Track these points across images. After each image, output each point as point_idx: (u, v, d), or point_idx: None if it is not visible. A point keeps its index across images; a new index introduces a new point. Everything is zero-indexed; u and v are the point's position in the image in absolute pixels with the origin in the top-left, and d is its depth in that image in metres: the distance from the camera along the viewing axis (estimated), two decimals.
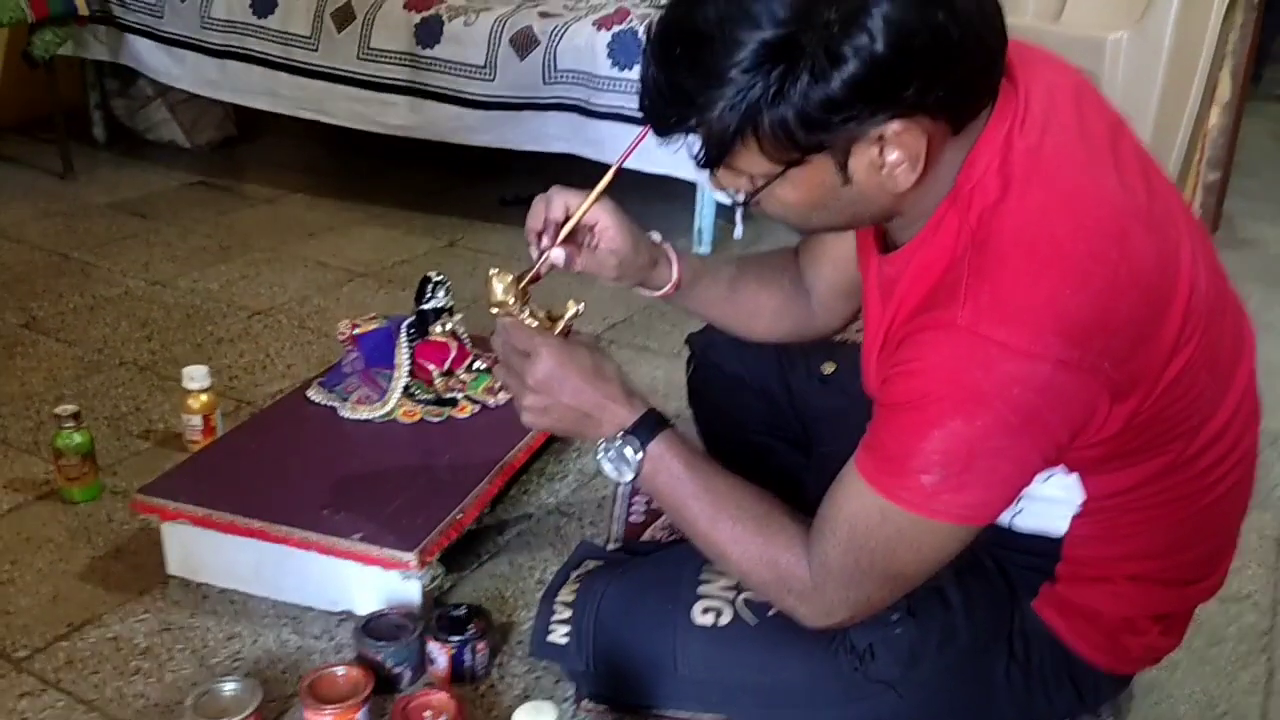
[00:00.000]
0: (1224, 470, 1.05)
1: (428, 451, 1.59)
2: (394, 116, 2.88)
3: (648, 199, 3.20)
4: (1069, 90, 0.98)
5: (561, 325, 1.13)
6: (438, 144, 2.90)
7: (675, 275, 1.26)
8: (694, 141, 0.93)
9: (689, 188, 2.66)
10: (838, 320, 1.36)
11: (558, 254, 1.14)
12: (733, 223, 2.73)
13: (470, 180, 3.27)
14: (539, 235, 1.15)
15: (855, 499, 0.97)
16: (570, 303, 1.13)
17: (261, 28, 2.99)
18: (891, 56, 0.82)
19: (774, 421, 1.59)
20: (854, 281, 1.22)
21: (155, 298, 2.45)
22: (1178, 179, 2.74)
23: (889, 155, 0.89)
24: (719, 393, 1.61)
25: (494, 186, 3.18)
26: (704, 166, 0.93)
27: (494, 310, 1.12)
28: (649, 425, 1.10)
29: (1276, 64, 4.89)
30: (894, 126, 0.87)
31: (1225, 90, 2.83)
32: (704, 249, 2.72)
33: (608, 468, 1.11)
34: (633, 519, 1.66)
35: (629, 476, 1.10)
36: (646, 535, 1.62)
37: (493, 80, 2.71)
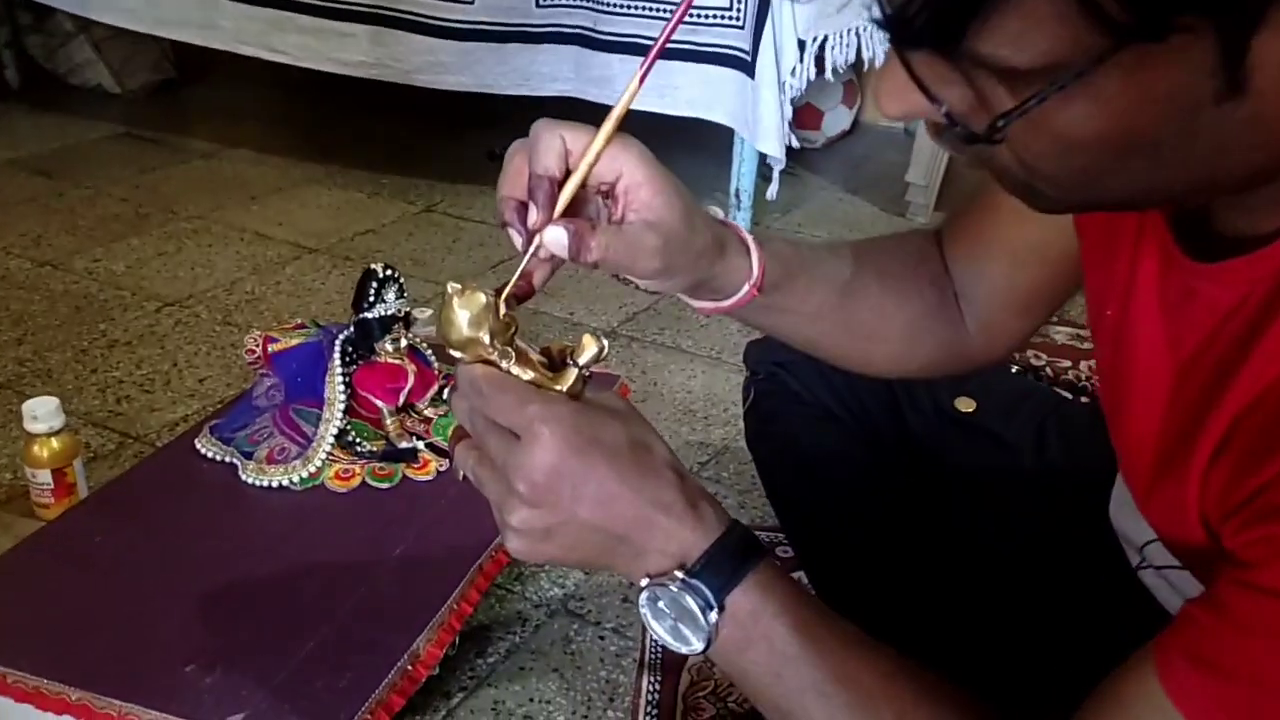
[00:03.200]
0: None
1: (369, 539, 1.05)
2: (352, 51, 2.30)
3: (668, 151, 2.62)
4: None
5: (571, 379, 0.61)
6: (412, 87, 2.33)
7: (755, 271, 0.71)
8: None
9: (721, 136, 2.08)
10: (1006, 345, 0.88)
11: (555, 237, 0.60)
12: (767, 179, 2.15)
13: (452, 131, 2.69)
14: (521, 207, 0.62)
15: None
16: (587, 339, 0.61)
17: None
18: None
19: (878, 481, 1.08)
20: (1043, 287, 0.81)
21: (40, 283, 1.89)
22: None
23: None
24: (795, 434, 1.11)
25: (480, 138, 2.61)
26: (935, 39, 0.43)
27: (456, 354, 0.61)
28: (730, 557, 0.60)
29: None
30: None
31: None
32: (741, 217, 2.15)
33: (658, 628, 0.61)
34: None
35: (697, 647, 0.60)
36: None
37: (472, 3, 2.14)
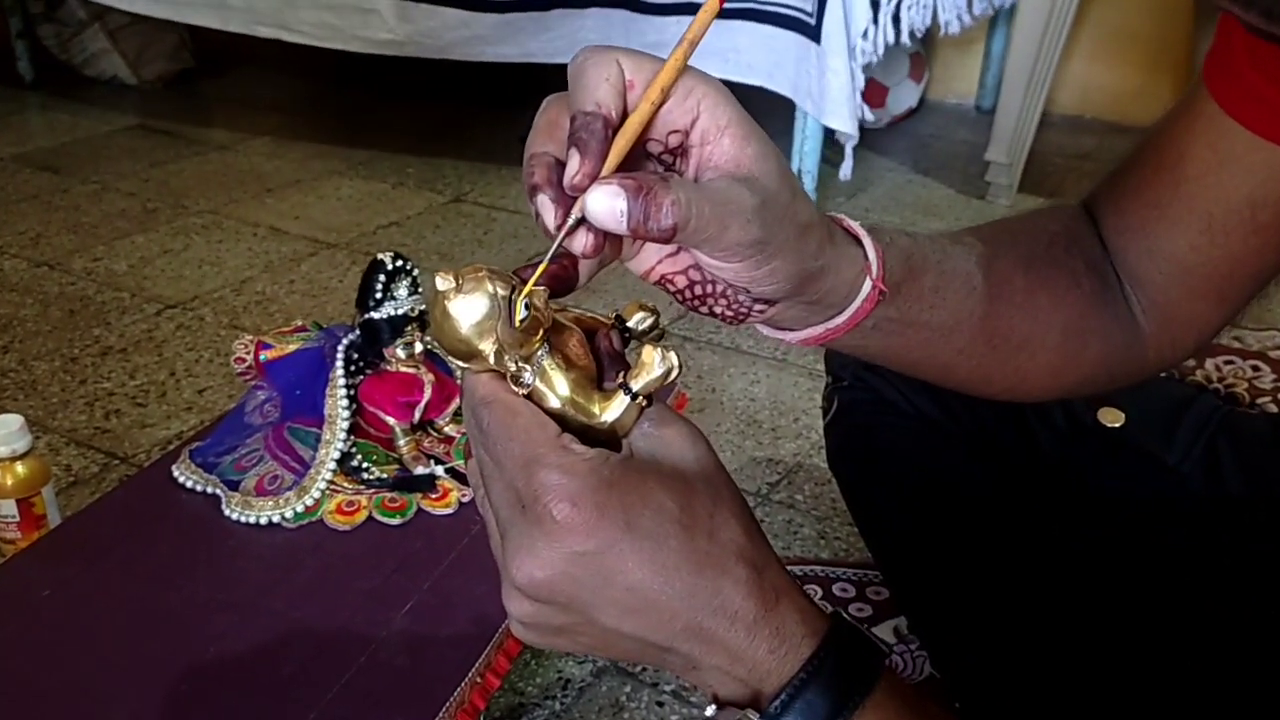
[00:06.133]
0: None
1: (376, 592, 0.85)
2: (376, 29, 2.12)
3: None
4: None
5: (619, 410, 0.44)
6: (439, 65, 2.14)
7: (875, 263, 0.51)
8: None
9: (783, 110, 1.87)
10: (1195, 341, 0.69)
11: (604, 199, 0.41)
12: (838, 159, 1.93)
13: (483, 114, 2.51)
14: (558, 167, 0.42)
15: None
16: (647, 354, 0.43)
17: None
18: None
19: (1000, 509, 0.88)
20: (1249, 260, 0.63)
21: (34, 286, 1.73)
22: None
23: None
24: (891, 451, 0.94)
25: (513, 120, 2.42)
26: None
27: (459, 364, 0.44)
28: (826, 692, 0.42)
29: None
30: None
31: None
32: None
33: None
34: None
35: None
36: None
37: None
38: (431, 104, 2.58)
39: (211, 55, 2.91)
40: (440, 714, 0.73)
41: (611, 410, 0.43)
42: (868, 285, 0.50)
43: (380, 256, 0.98)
